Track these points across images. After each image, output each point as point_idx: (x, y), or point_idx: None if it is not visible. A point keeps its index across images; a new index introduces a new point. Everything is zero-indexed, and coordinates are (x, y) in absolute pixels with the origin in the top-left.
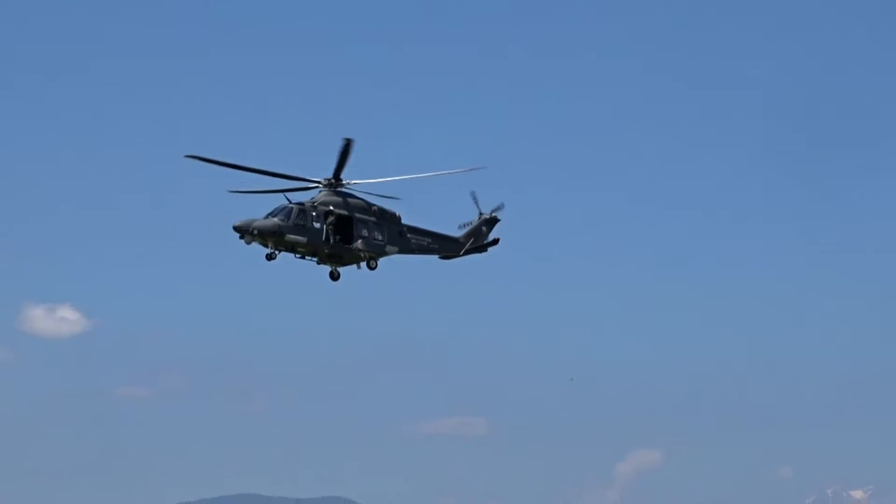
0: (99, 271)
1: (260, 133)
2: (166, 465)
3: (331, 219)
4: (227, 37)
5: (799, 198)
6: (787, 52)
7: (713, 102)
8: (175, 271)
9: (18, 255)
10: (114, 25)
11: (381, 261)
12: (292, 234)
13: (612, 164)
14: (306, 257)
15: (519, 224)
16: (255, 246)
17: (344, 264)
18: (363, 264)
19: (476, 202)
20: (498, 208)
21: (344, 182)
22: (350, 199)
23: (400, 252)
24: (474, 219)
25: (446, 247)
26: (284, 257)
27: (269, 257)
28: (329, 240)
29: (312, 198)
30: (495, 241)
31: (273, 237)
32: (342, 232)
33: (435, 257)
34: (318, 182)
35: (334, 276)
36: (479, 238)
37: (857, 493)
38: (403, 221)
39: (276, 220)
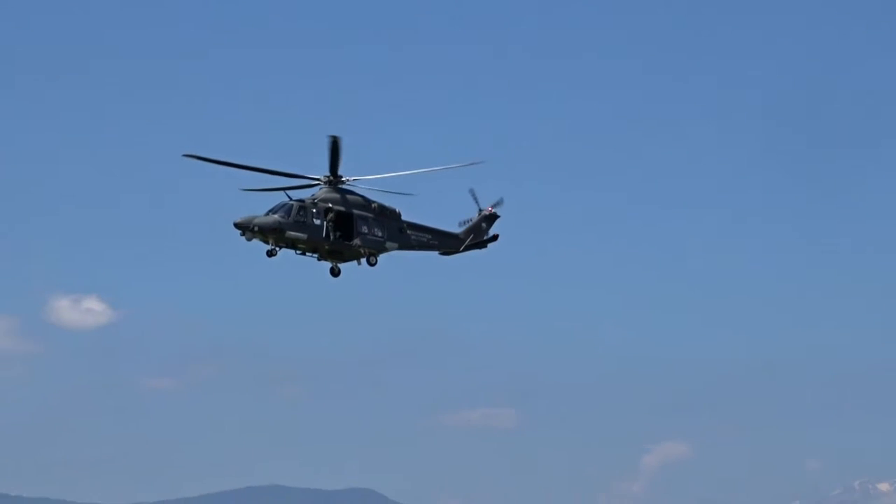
0: (124, 263)
1: (260, 133)
2: (192, 456)
3: (331, 215)
4: (227, 37)
5: (799, 198)
6: (787, 52)
7: (713, 102)
8: (197, 265)
9: (43, 247)
10: (114, 25)
11: (382, 257)
12: (293, 230)
13: (612, 163)
14: (307, 254)
15: (518, 222)
16: (256, 242)
17: (344, 261)
18: (363, 260)
19: (475, 199)
20: (497, 203)
21: (344, 179)
22: (350, 196)
23: (400, 248)
24: (474, 216)
25: (446, 243)
26: (285, 254)
27: (270, 254)
28: (329, 236)
29: (313, 195)
30: (495, 238)
31: (273, 234)
32: (342, 228)
33: (435, 253)
34: (319, 179)
35: (335, 273)
36: (478, 234)
37: (884, 486)
38: (403, 218)
39: (276, 216)
